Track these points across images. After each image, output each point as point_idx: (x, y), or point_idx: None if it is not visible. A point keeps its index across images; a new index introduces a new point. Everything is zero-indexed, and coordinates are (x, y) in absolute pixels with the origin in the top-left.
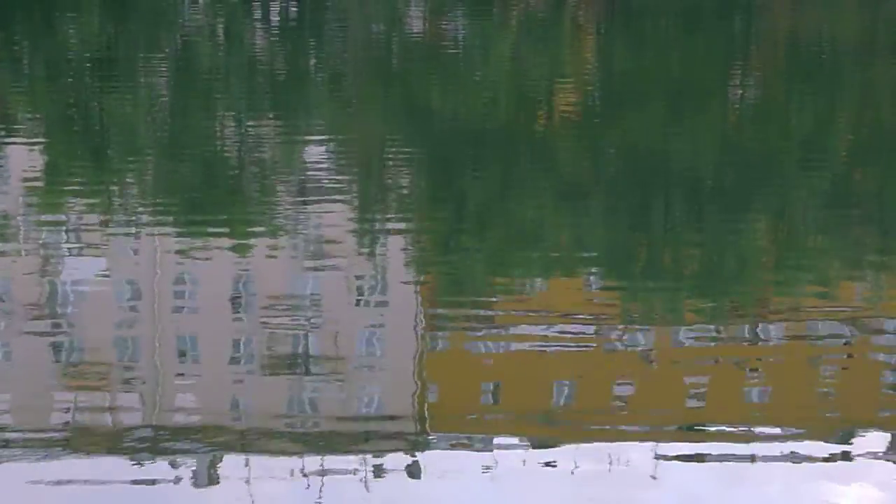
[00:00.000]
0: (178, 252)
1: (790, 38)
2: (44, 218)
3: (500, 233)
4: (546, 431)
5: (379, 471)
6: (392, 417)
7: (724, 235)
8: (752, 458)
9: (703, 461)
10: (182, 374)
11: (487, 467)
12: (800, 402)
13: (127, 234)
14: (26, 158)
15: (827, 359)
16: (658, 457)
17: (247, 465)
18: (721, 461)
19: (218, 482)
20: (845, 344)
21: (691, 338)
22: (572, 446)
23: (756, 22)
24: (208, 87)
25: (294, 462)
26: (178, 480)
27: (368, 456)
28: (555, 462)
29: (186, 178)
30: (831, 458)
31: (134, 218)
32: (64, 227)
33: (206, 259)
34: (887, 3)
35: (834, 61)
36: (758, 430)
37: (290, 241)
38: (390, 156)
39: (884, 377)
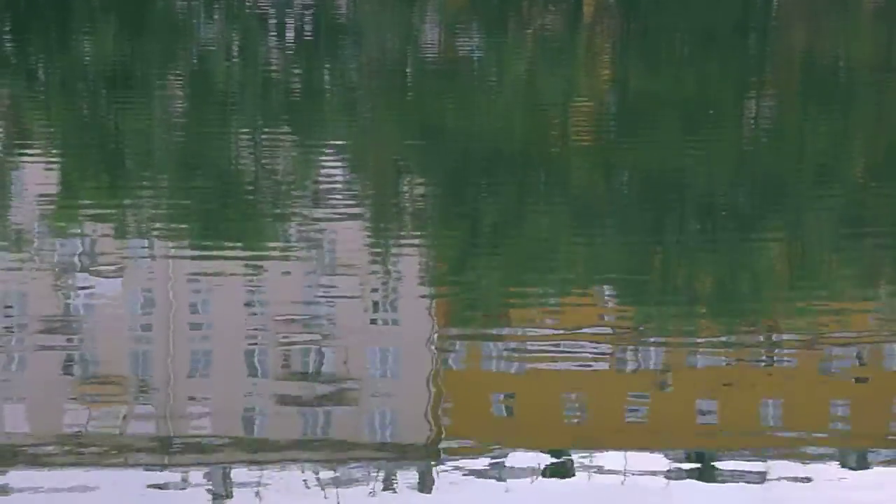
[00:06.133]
0: (193, 268)
1: (806, 56)
2: (58, 234)
3: (514, 251)
4: (559, 445)
5: (391, 485)
6: (405, 432)
7: (738, 255)
8: (765, 477)
9: (714, 480)
10: (195, 389)
11: (500, 480)
12: (814, 423)
13: (141, 250)
14: (41, 174)
15: (841, 378)
16: (670, 473)
17: (259, 480)
18: (734, 478)
19: (230, 496)
20: (860, 364)
21: (705, 357)
22: (585, 460)
23: (772, 41)
24: (223, 103)
25: (307, 476)
26: (190, 494)
27: (381, 470)
28: (568, 475)
29: (201, 194)
30: (846, 478)
31: (148, 234)
32: (79, 243)
33: (220, 275)
34: None
35: (850, 80)
36: (771, 449)
37: (305, 258)
38: (405, 174)
39: None
